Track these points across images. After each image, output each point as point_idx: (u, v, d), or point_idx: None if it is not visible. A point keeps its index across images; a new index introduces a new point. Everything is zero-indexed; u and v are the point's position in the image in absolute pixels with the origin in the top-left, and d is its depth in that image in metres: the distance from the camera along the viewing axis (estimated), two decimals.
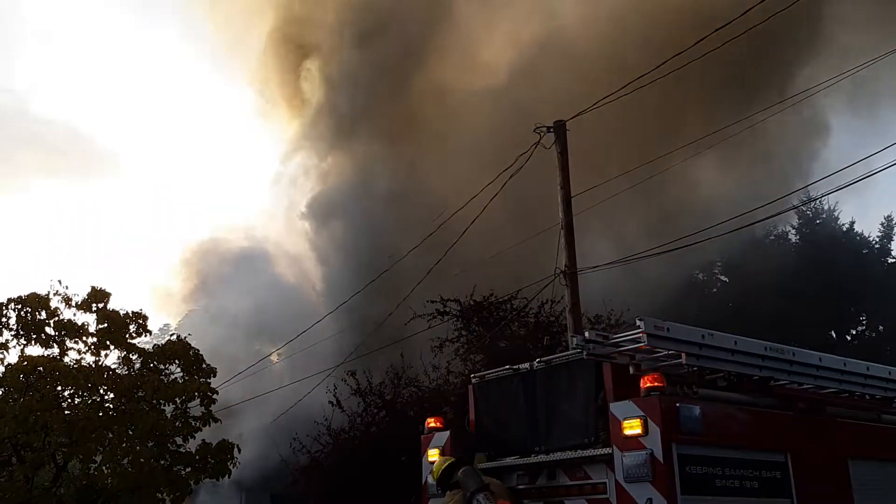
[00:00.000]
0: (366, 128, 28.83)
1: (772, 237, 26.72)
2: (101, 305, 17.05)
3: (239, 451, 17.32)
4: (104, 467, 14.51)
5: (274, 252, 34.15)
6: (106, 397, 16.27)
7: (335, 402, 19.88)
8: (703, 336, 7.12)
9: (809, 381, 7.87)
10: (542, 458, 7.73)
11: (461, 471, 7.76)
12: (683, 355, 6.92)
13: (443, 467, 7.87)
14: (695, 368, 7.34)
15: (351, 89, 28.50)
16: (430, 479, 8.40)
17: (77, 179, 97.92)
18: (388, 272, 18.87)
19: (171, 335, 19.24)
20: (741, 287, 26.02)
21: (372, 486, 17.98)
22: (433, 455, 8.45)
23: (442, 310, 20.42)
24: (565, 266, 15.79)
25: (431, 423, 8.90)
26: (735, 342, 7.31)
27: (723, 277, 28.02)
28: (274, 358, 26.95)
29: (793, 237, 27.79)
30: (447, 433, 8.58)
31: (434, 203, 22.70)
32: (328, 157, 30.66)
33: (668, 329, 6.93)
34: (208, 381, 17.28)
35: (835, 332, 26.47)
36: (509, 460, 8.09)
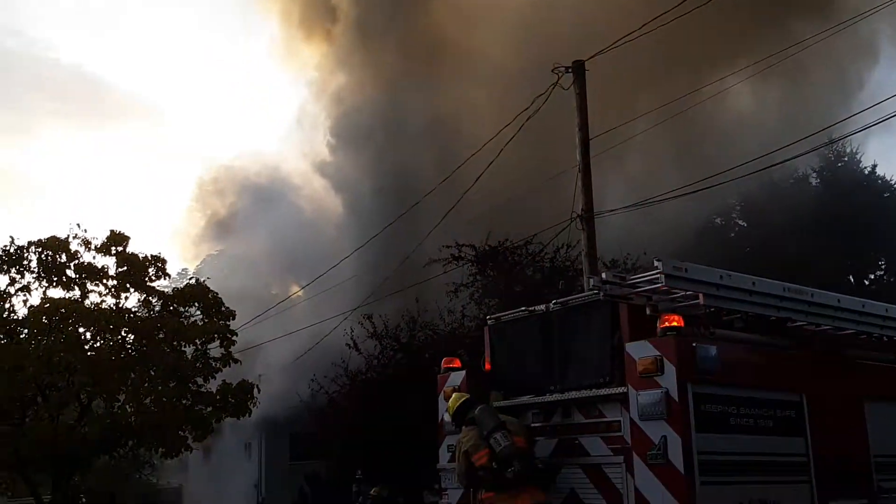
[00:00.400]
0: (386, 55, 28.23)
1: (791, 180, 26.36)
2: (120, 249, 17.28)
3: (258, 391, 17.68)
4: (127, 406, 14.84)
5: (292, 191, 34.04)
6: (127, 339, 16.58)
7: (352, 345, 20.08)
8: (720, 277, 7.09)
9: (827, 322, 7.84)
10: (557, 396, 7.78)
11: (478, 409, 7.85)
12: (701, 296, 6.89)
13: (459, 402, 7.96)
14: (712, 309, 7.33)
15: (376, 13, 27.89)
16: (447, 417, 8.52)
17: (91, 122, 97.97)
18: (406, 215, 18.87)
19: (190, 279, 19.45)
20: (760, 231, 25.82)
21: (388, 427, 18.25)
22: (449, 393, 8.51)
23: (457, 255, 20.43)
24: (582, 210, 15.71)
25: (448, 363, 8.98)
26: (753, 283, 7.28)
27: (741, 222, 27.78)
28: (298, 292, 27.13)
29: (813, 180, 27.42)
30: (463, 373, 8.65)
31: (451, 138, 22.50)
32: (346, 82, 30.11)
33: (686, 269, 6.89)
34: (227, 323, 17.55)
35: (853, 277, 26.29)
36: (525, 399, 8.16)
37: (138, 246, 22.69)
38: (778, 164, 14.51)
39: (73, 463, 16.10)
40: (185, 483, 32.49)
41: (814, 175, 27.60)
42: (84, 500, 18.16)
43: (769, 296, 7.39)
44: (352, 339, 20.20)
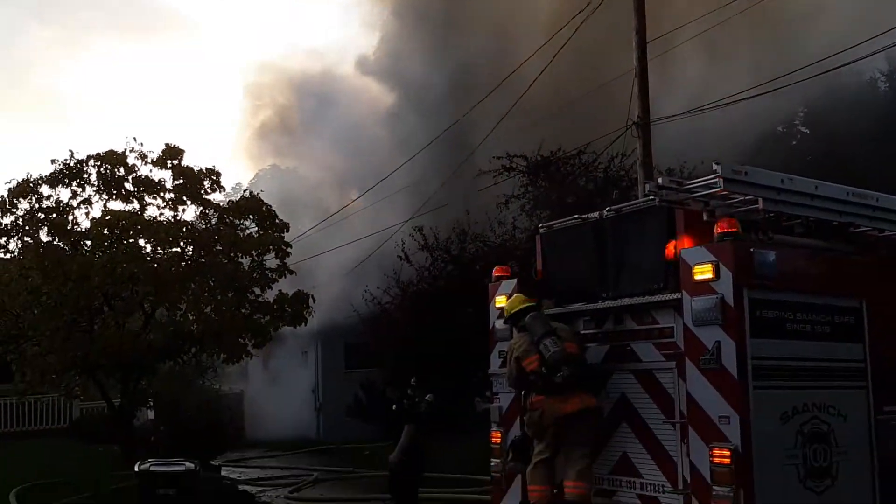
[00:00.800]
0: None
1: (858, 85, 25.14)
2: (175, 162, 17.52)
3: (314, 300, 18.06)
4: (189, 315, 15.35)
5: (345, 97, 33.70)
6: (186, 250, 17.00)
7: (403, 257, 20.30)
8: (782, 180, 6.87)
9: (891, 227, 7.59)
10: (609, 303, 7.78)
11: (528, 316, 7.91)
12: (760, 200, 6.70)
13: (519, 304, 8.02)
14: (772, 214, 7.15)
15: None
16: (498, 324, 8.61)
17: (139, 35, 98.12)
18: (458, 126, 18.64)
19: (244, 192, 19.69)
20: (824, 139, 24.86)
21: (439, 338, 18.58)
22: (500, 301, 8.57)
23: (508, 165, 20.24)
24: (638, 116, 15.33)
25: (499, 271, 9.01)
26: (815, 187, 7.05)
27: (804, 129, 26.77)
28: (349, 204, 27.31)
29: (882, 84, 26.13)
30: (513, 282, 8.67)
31: (507, 42, 21.85)
32: None
33: (745, 173, 6.70)
34: (281, 235, 17.84)
35: None
36: (576, 306, 8.18)
37: (193, 159, 23.06)
38: (844, 65, 13.81)
39: (139, 368, 16.84)
40: (245, 389, 33.81)
41: (882, 79, 26.29)
42: (151, 403, 19.04)
43: (832, 200, 7.15)
44: (403, 250, 20.41)
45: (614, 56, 17.00)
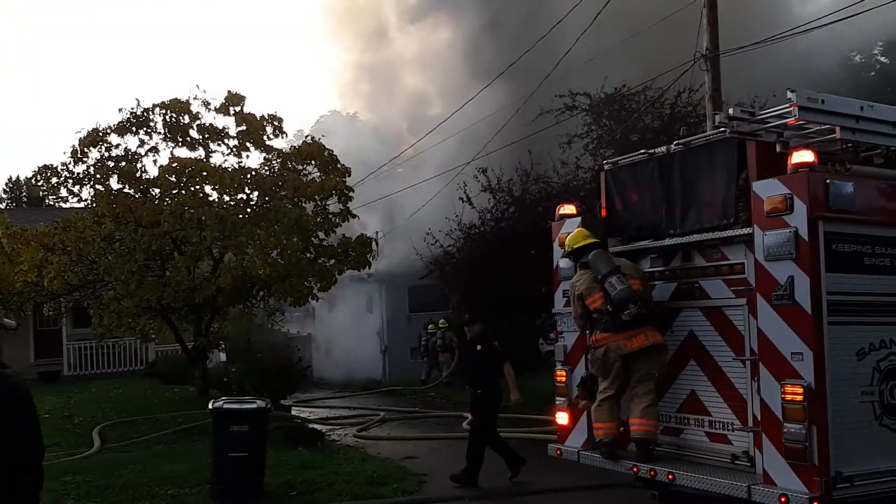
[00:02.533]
0: None
1: None
2: (237, 109, 17.69)
3: (377, 244, 18.21)
4: (255, 259, 15.64)
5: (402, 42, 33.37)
6: (251, 196, 17.26)
7: (465, 199, 20.18)
8: (861, 108, 6.52)
9: None
10: (677, 240, 7.61)
11: (592, 254, 7.80)
12: (837, 129, 6.38)
13: (582, 240, 7.91)
14: (849, 144, 6.82)
15: None
16: (562, 263, 8.52)
17: None
18: (521, 62, 18.25)
19: (306, 138, 19.80)
20: None
21: (502, 277, 18.53)
22: (564, 238, 8.44)
23: (571, 104, 19.80)
24: (706, 49, 14.78)
25: (563, 209, 8.86)
26: None
27: (883, 59, 25.43)
28: (406, 149, 27.35)
29: None
30: (578, 220, 8.53)
31: None
32: None
33: (822, 101, 6.36)
34: (344, 179, 17.92)
35: None
36: (643, 244, 8.03)
37: (256, 106, 23.26)
38: None
39: (210, 311, 17.34)
40: (313, 332, 34.65)
41: None
42: (223, 345, 19.65)
43: None
44: (465, 192, 20.29)
45: None
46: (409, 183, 25.91)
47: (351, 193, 17.80)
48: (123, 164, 16.60)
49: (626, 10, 17.86)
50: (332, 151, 18.46)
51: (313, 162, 17.99)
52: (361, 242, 17.65)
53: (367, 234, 18.11)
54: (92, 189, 16.58)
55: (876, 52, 25.61)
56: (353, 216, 17.82)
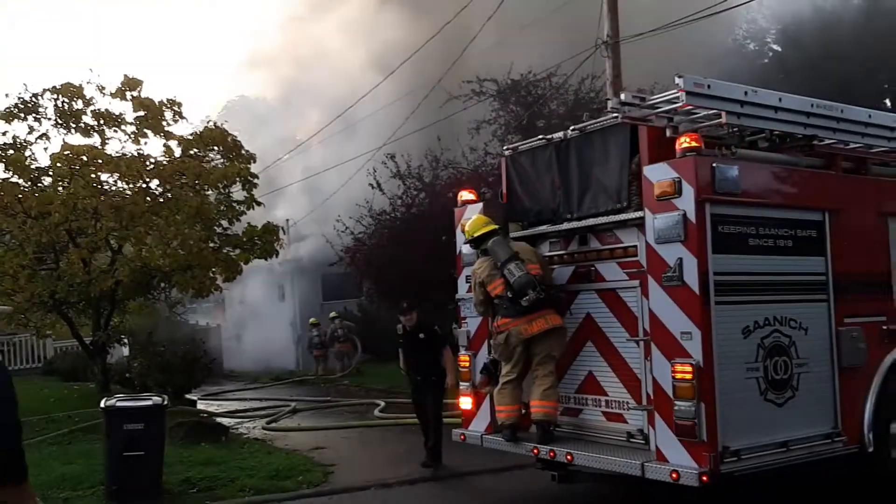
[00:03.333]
0: None
1: (832, 1, 24.77)
2: (135, 93, 16.96)
3: (284, 232, 17.86)
4: (155, 249, 15.08)
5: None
6: (150, 184, 16.61)
7: (375, 185, 20.05)
8: (745, 93, 6.72)
9: (857, 140, 7.50)
10: (574, 224, 7.71)
11: (491, 241, 7.84)
12: (724, 114, 6.56)
13: (482, 228, 7.92)
14: (735, 129, 7.04)
15: None
16: (465, 249, 8.52)
17: None
18: (426, 49, 18.16)
19: (208, 123, 19.19)
20: (795, 57, 24.60)
21: (412, 264, 18.51)
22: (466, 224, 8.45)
23: (478, 90, 19.90)
24: (607, 35, 15.05)
25: (464, 195, 8.86)
26: (780, 99, 6.91)
27: (775, 47, 26.46)
28: (314, 134, 26.92)
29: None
30: (479, 205, 8.55)
31: None
32: None
33: (708, 86, 6.53)
34: (248, 166, 17.45)
35: (889, 101, 25.15)
36: (542, 228, 8.11)
37: (159, 92, 22.44)
38: None
39: (109, 305, 16.66)
40: (223, 324, 33.87)
41: None
42: (125, 340, 18.93)
43: (796, 112, 7.03)
44: (375, 179, 20.16)
45: None
46: (320, 168, 25.54)
47: (256, 180, 17.36)
48: (11, 152, 15.70)
49: None
50: (236, 137, 17.95)
51: (216, 148, 17.44)
52: (268, 230, 17.24)
53: (273, 222, 17.68)
54: None
55: (769, 39, 26.63)
56: (259, 203, 17.38)
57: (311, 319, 26.09)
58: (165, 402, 9.22)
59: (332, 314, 25.55)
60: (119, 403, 8.87)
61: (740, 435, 6.37)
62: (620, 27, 15.14)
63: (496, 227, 8.01)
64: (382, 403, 16.43)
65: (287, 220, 29.82)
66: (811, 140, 7.23)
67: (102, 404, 8.94)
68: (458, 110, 19.61)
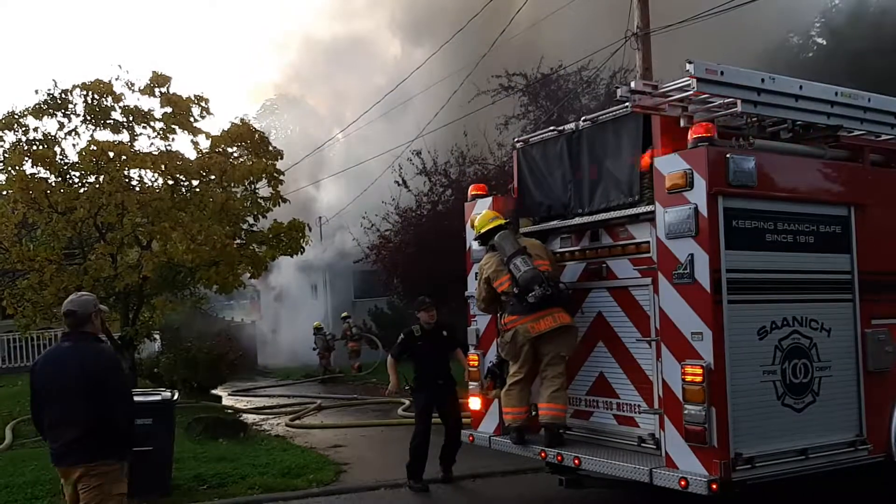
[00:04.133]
0: None
1: None
2: (163, 90, 17.00)
3: (310, 229, 17.75)
4: (178, 245, 15.06)
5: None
6: (179, 180, 16.63)
7: (401, 182, 19.88)
8: (762, 80, 6.33)
9: (886, 130, 7.07)
10: (585, 219, 7.41)
11: (498, 235, 7.57)
12: (739, 102, 6.20)
13: (490, 224, 7.65)
14: (753, 118, 6.66)
15: None
16: (475, 245, 8.27)
17: None
18: (453, 43, 17.92)
19: (235, 118, 19.15)
20: (840, 52, 23.77)
21: (438, 258, 18.27)
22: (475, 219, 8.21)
23: (507, 84, 19.60)
24: (637, 27, 14.66)
25: (475, 190, 8.63)
26: (801, 87, 6.51)
27: (820, 40, 25.62)
28: (338, 133, 26.96)
29: None
30: (489, 199, 8.32)
31: None
32: None
33: (721, 73, 6.17)
34: (274, 162, 17.37)
35: None
36: (552, 223, 7.82)
37: (195, 89, 22.62)
38: None
39: (137, 299, 16.73)
40: (258, 321, 34.14)
41: None
42: (155, 336, 19.06)
43: (819, 101, 6.62)
44: (401, 176, 19.98)
45: None
46: (349, 164, 25.48)
47: (282, 177, 17.27)
48: (40, 147, 15.83)
49: None
50: (263, 133, 17.89)
51: (242, 143, 17.39)
52: (294, 227, 17.13)
53: (299, 218, 17.58)
54: (5, 174, 15.80)
55: (813, 33, 25.79)
56: (285, 200, 17.26)
57: (343, 314, 26.24)
58: (175, 398, 9.14)
59: (344, 314, 25.80)
60: None
61: (755, 441, 6.02)
62: (651, 19, 14.73)
63: (504, 221, 7.74)
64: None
65: (319, 218, 29.89)
66: (836, 130, 6.82)
67: None
68: (486, 104, 19.32)
